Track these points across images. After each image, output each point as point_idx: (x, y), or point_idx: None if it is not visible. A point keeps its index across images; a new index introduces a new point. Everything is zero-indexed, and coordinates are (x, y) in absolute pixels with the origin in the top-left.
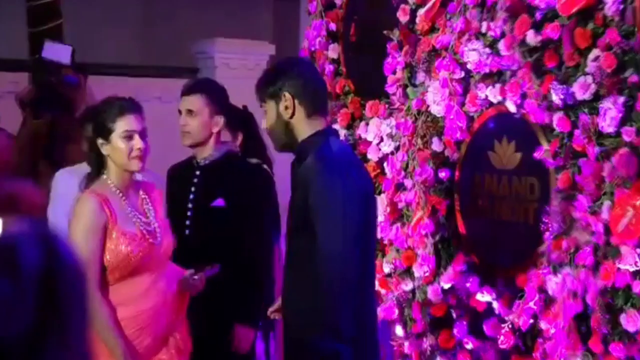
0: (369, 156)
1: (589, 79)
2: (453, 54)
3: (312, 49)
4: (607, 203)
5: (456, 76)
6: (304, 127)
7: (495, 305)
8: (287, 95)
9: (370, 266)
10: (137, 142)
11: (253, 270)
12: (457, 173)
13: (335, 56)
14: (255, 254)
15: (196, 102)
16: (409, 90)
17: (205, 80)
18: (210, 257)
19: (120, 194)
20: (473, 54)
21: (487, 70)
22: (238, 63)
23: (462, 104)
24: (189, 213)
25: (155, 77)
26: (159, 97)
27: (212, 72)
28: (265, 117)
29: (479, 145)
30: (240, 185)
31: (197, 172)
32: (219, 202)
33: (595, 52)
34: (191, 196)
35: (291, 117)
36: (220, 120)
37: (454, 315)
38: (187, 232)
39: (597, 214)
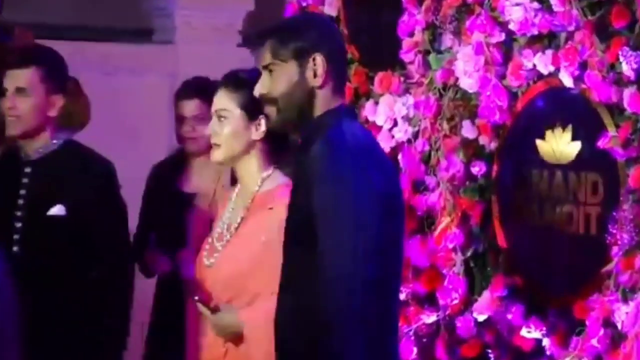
0: None
1: None
2: (490, 10)
3: (304, 3)
4: None
5: (494, 39)
6: (327, 104)
7: (546, 342)
8: (320, 58)
9: (394, 293)
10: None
11: (107, 305)
12: (495, 168)
13: (333, 13)
14: (110, 283)
15: (28, 77)
16: (432, 58)
17: (38, 48)
18: (48, 282)
19: (236, 193)
20: (517, 10)
21: (535, 31)
22: (205, 22)
23: (502, 77)
24: (17, 224)
25: (95, 41)
26: (100, 67)
27: (170, 33)
28: (269, 81)
29: (524, 131)
30: (87, 186)
31: (27, 169)
32: (58, 209)
33: None
34: (20, 201)
35: (320, 86)
36: (59, 100)
37: (492, 356)
38: (15, 249)
39: None
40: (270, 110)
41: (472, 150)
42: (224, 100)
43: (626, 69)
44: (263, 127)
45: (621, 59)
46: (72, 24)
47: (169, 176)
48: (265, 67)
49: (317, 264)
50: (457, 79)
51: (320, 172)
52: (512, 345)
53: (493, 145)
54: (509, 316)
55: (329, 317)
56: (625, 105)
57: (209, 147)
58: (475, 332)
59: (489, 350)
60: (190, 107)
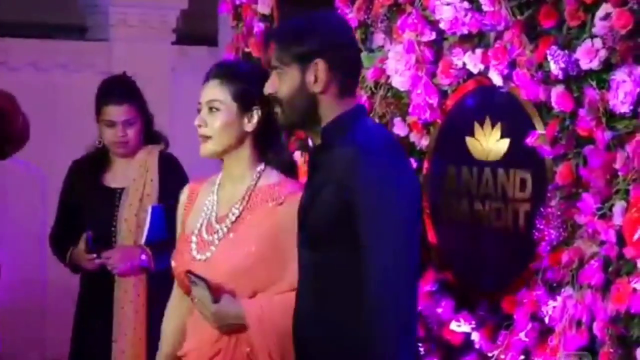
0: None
1: (598, 43)
2: (421, 9)
3: (237, 1)
4: (619, 204)
5: (425, 38)
6: (332, 108)
7: (475, 337)
8: (322, 64)
9: (418, 283)
10: None
11: None
12: (425, 165)
13: (266, 11)
14: None
15: None
16: (364, 56)
17: None
18: None
19: (218, 184)
20: (447, 9)
21: (465, 31)
22: (139, 20)
23: (433, 75)
24: None
25: (29, 38)
26: (34, 63)
27: (104, 30)
28: (277, 82)
29: (454, 129)
30: None
31: None
32: None
33: (605, 8)
34: None
35: (322, 91)
36: None
37: (422, 349)
38: None
39: (607, 218)
40: (278, 110)
41: (403, 147)
42: (216, 91)
43: (554, 68)
44: (255, 119)
45: (549, 58)
46: (6, 20)
47: (92, 172)
48: (273, 69)
49: (363, 262)
50: (388, 77)
51: (358, 169)
52: (442, 339)
53: (424, 142)
54: (439, 310)
55: (379, 318)
56: (553, 103)
57: (136, 149)
58: None
59: (419, 344)
60: (120, 112)
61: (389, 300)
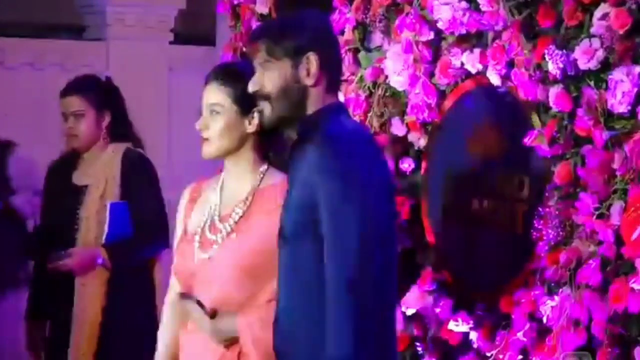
0: None
1: (596, 42)
2: (419, 9)
3: (235, 1)
4: (617, 204)
5: (423, 38)
6: (317, 102)
7: (473, 336)
8: (313, 58)
9: (394, 282)
10: None
11: None
12: (423, 165)
13: (265, 11)
14: None
15: None
16: (362, 56)
17: None
18: None
19: (221, 184)
20: (445, 9)
21: (463, 30)
22: (136, 19)
23: (431, 75)
24: None
25: (27, 37)
26: (32, 63)
27: (102, 30)
28: (262, 78)
29: (452, 129)
30: None
31: None
32: None
33: (603, 8)
34: None
35: (314, 85)
36: None
37: (420, 349)
38: None
39: (605, 218)
40: (264, 106)
41: (401, 147)
42: (216, 94)
43: (552, 67)
44: (257, 120)
45: (547, 58)
46: (3, 20)
47: (64, 171)
48: (260, 64)
49: (326, 259)
50: (386, 77)
51: (324, 166)
52: (440, 339)
53: (422, 142)
54: (437, 310)
55: (335, 308)
56: (551, 103)
57: (90, 143)
58: (404, 326)
59: (418, 344)
60: (69, 103)
61: (347, 298)
